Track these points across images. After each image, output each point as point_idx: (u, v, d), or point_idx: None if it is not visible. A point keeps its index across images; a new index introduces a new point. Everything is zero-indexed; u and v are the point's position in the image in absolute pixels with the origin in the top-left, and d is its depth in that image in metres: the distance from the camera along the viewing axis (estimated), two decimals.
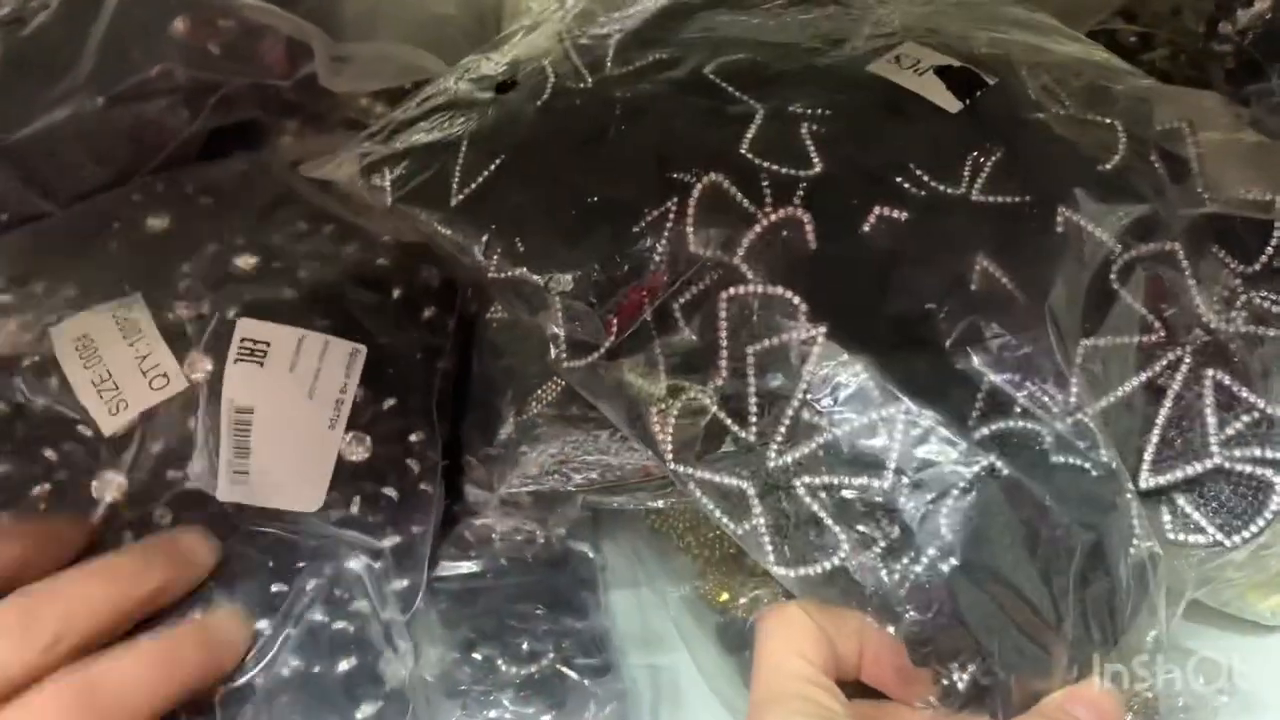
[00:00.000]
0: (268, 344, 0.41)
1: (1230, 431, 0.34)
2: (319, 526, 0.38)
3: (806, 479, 0.33)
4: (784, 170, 0.35)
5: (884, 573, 0.31)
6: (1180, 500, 0.35)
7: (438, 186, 0.39)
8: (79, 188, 0.50)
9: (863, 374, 0.32)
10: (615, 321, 0.35)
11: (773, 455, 0.33)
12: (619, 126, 0.37)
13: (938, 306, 0.33)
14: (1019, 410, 0.32)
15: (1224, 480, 0.34)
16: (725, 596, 0.42)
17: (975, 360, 0.33)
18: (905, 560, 0.31)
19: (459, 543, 0.44)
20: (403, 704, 0.35)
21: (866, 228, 0.34)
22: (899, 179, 0.35)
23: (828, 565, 0.32)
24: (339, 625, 0.36)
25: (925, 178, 0.35)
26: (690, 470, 0.34)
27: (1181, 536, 0.34)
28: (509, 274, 0.36)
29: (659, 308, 0.35)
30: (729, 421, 0.34)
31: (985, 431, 0.32)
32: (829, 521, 0.32)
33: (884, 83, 0.37)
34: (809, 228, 0.34)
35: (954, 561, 0.30)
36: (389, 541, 0.39)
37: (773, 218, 0.34)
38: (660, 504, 0.44)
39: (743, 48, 0.39)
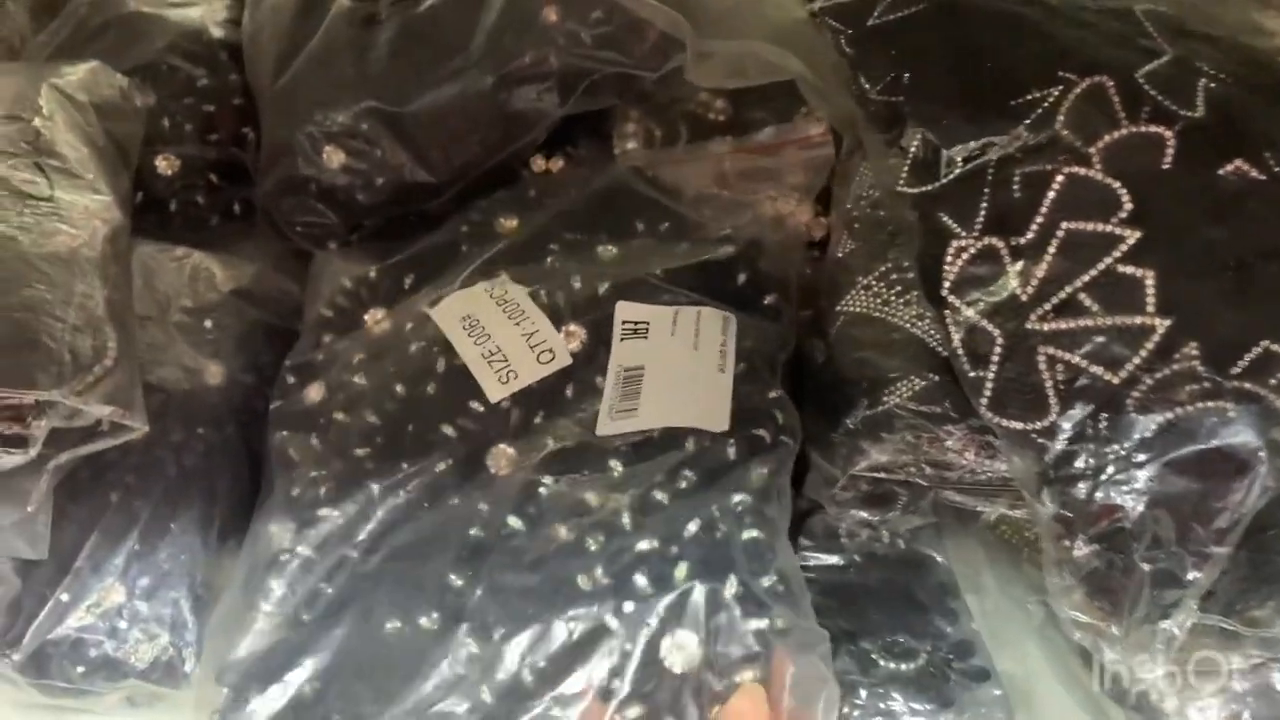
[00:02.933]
0: (646, 323, 0.43)
1: None
2: (712, 453, 0.38)
3: (1050, 350, 0.35)
4: (1167, 103, 0.38)
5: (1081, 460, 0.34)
6: None
7: (862, 8, 0.44)
8: (455, 161, 0.53)
9: (1148, 283, 0.35)
10: (957, 167, 0.39)
11: (1034, 319, 0.36)
12: (1038, 17, 0.41)
13: (1260, 260, 0.35)
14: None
15: None
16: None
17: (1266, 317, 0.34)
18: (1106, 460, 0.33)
19: (810, 534, 0.45)
20: None
21: (1222, 171, 0.36)
22: (1268, 153, 0.37)
23: (1030, 425, 0.35)
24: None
25: None
26: (958, 303, 0.37)
27: None
28: (885, 100, 0.42)
29: (1000, 167, 0.38)
30: (1013, 278, 0.37)
31: (1242, 385, 0.33)
32: (1050, 393, 0.35)
33: None
34: (1170, 150, 0.37)
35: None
36: (761, 470, 0.39)
37: (1141, 130, 0.37)
38: (1017, 513, 0.43)
39: (1176, 6, 0.42)
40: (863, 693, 0.39)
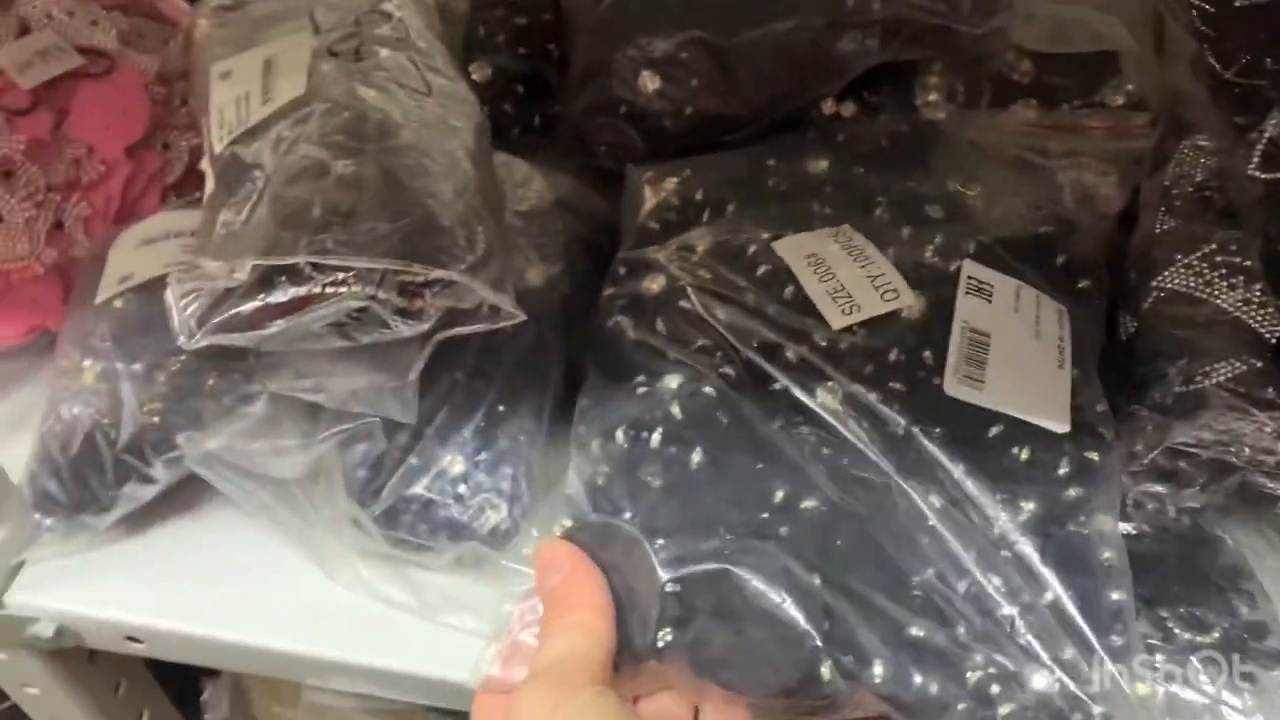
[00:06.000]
0: (991, 286, 0.44)
1: None
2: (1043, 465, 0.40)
3: None
4: None
5: None
6: None
7: None
8: (766, 97, 0.54)
9: None
10: None
11: None
12: None
13: None
14: None
15: None
16: None
17: None
18: None
19: None
20: None
21: None
22: None
23: None
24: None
25: None
26: None
27: None
28: (1241, 81, 0.42)
29: None
30: None
31: None
32: None
33: None
34: None
35: None
36: (1074, 493, 0.40)
37: None
38: None
39: None
40: (1160, 658, 0.40)
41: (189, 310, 0.37)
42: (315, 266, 0.38)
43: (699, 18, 0.53)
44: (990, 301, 0.43)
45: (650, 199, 0.51)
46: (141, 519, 0.46)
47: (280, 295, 0.37)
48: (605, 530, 0.36)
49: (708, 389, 0.40)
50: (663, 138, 0.56)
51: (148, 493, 0.44)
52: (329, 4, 0.51)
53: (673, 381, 0.40)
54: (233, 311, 0.37)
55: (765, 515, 0.37)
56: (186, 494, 0.46)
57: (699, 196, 0.50)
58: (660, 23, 0.54)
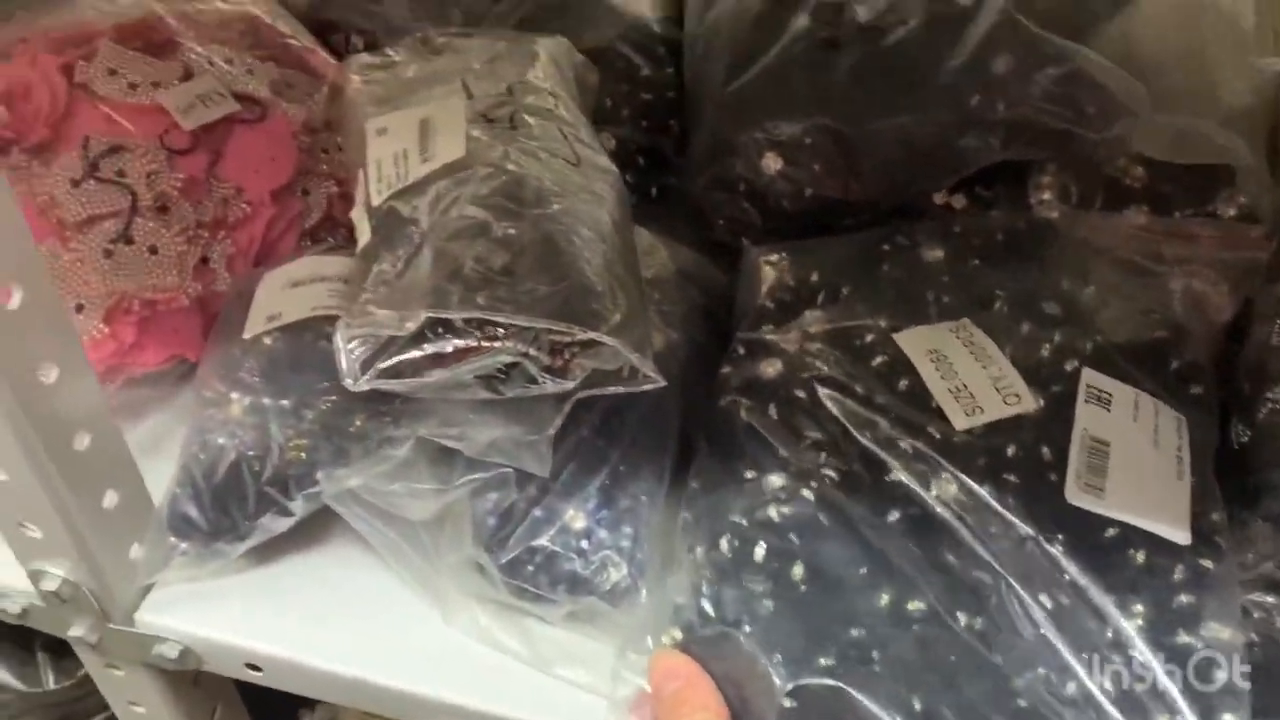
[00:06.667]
0: (1110, 395, 0.45)
1: None
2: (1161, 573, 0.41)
3: None
4: None
5: None
6: None
7: None
8: (885, 185, 0.56)
9: None
10: None
11: None
12: None
13: None
14: None
15: None
16: None
17: None
18: None
19: None
20: None
21: None
22: None
23: None
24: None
25: None
26: None
27: None
28: None
29: None
30: None
31: None
32: None
33: None
34: None
35: None
36: (1186, 598, 0.41)
37: None
38: None
39: None
40: None
41: (355, 354, 0.39)
42: (469, 321, 0.40)
43: (826, 105, 0.56)
44: (1109, 410, 0.44)
45: (768, 279, 0.52)
46: (268, 550, 0.48)
47: (443, 346, 0.39)
48: (719, 642, 0.37)
49: (805, 492, 0.41)
50: (780, 218, 0.58)
51: (283, 525, 0.46)
52: (478, 72, 0.54)
53: (776, 480, 0.42)
54: (398, 359, 0.39)
55: (871, 627, 0.38)
56: (313, 528, 0.48)
57: (814, 279, 0.51)
58: (787, 107, 0.57)
